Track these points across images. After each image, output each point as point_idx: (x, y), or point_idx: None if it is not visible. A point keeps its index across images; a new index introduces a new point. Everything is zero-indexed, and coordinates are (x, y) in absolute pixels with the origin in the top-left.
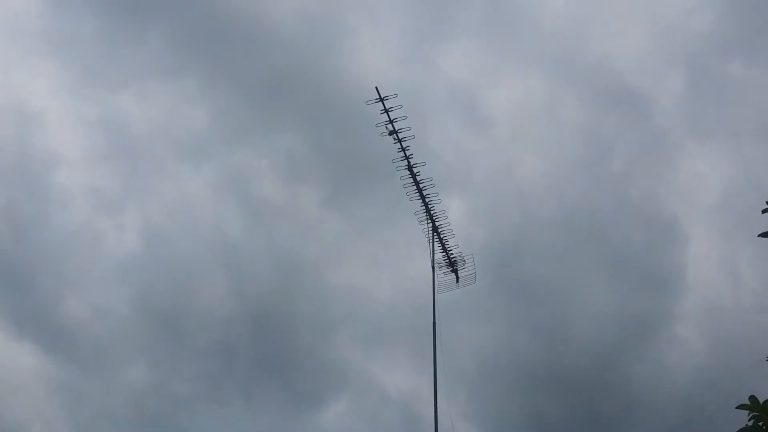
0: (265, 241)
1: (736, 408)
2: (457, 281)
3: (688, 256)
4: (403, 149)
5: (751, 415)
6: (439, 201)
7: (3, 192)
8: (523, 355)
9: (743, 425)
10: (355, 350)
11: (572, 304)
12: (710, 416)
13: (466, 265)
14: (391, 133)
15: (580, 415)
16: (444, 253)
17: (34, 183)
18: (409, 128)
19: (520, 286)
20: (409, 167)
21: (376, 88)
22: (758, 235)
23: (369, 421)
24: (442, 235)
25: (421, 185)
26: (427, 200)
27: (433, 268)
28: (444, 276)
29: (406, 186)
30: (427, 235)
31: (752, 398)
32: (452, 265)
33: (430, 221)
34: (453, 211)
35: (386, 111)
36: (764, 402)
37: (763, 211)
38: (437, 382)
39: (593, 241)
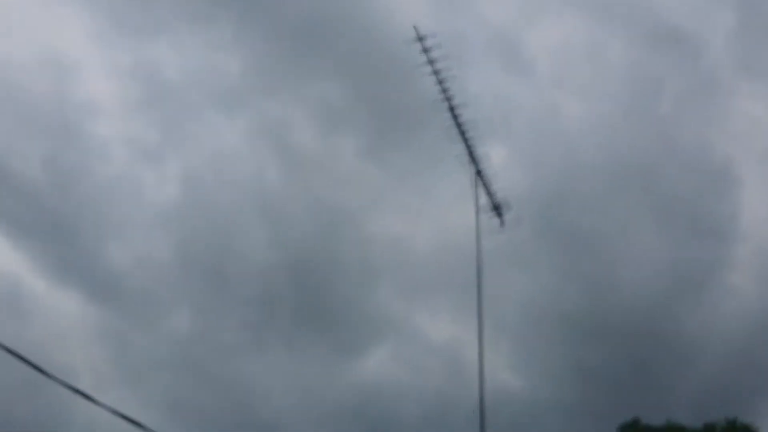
0: (304, 191)
1: None
2: (502, 225)
3: (741, 202)
4: (444, 90)
5: None
6: (482, 144)
7: (44, 143)
8: (568, 305)
9: None
10: (396, 299)
11: (619, 253)
12: (763, 364)
13: (511, 210)
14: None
15: (625, 366)
16: (488, 197)
17: (73, 133)
18: (450, 69)
19: (565, 235)
20: (451, 109)
21: (414, 26)
22: None
23: (411, 369)
24: (485, 179)
25: (462, 128)
26: (469, 144)
27: (477, 212)
28: (488, 221)
29: (447, 129)
30: (470, 180)
31: None
32: (497, 209)
33: (473, 164)
34: (494, 157)
35: (425, 51)
36: None
37: None
38: (482, 329)
39: (641, 188)
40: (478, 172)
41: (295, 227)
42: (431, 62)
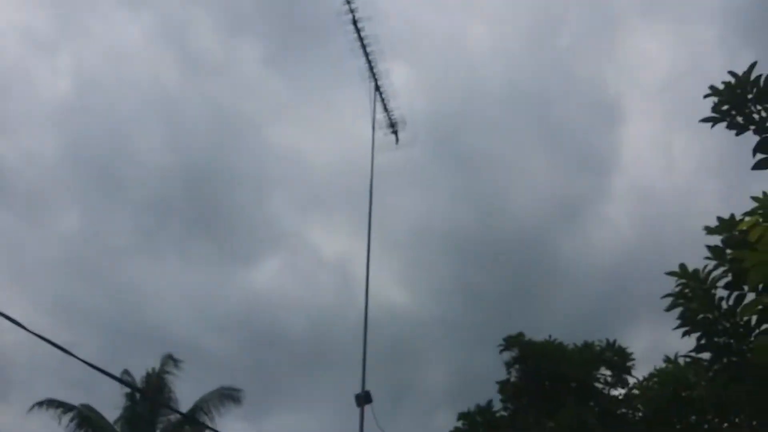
0: (203, 96)
1: (665, 273)
2: (397, 142)
3: (624, 137)
4: (348, 2)
5: (678, 282)
6: (383, 60)
7: None
8: (458, 225)
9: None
10: (290, 212)
11: (510, 179)
12: (632, 291)
13: (407, 128)
14: None
15: (508, 286)
16: (385, 114)
17: None
18: None
19: (460, 157)
20: (354, 22)
21: None
22: (699, 120)
23: (302, 281)
24: (384, 95)
25: (364, 41)
26: (370, 58)
27: (373, 126)
28: (384, 137)
29: (350, 42)
30: (368, 95)
31: (682, 266)
32: (393, 125)
33: (372, 79)
34: (397, 76)
35: None
36: (693, 270)
37: (705, 96)
38: (370, 245)
39: (536, 117)
40: (377, 88)
41: (193, 132)
42: None
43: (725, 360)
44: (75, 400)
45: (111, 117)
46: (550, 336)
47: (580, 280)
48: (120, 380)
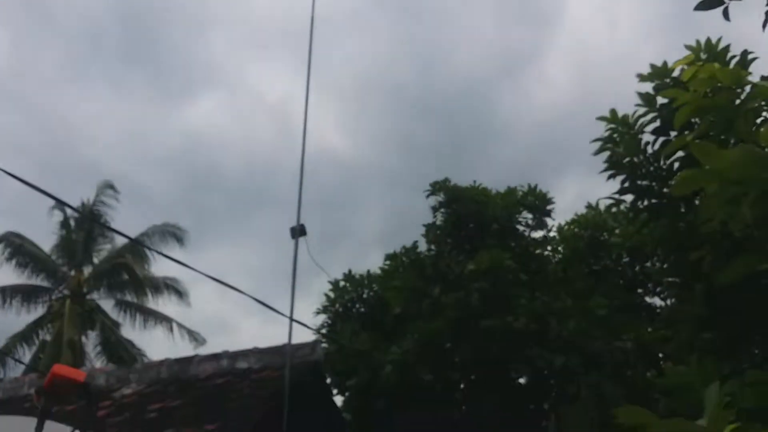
0: None
1: (596, 119)
2: None
3: None
4: None
5: (607, 127)
6: None
7: None
8: (400, 75)
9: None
10: (231, 50)
11: (453, 28)
12: (565, 147)
13: None
14: None
15: (446, 137)
16: None
17: None
18: None
19: (404, 7)
20: None
21: None
22: None
23: (241, 122)
24: None
25: None
26: None
27: None
28: None
29: None
30: None
31: (612, 111)
32: None
33: None
34: None
35: None
36: (623, 116)
37: None
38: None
39: None
40: None
41: None
42: None
43: (646, 202)
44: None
45: None
46: (474, 181)
47: (516, 134)
48: (57, 199)
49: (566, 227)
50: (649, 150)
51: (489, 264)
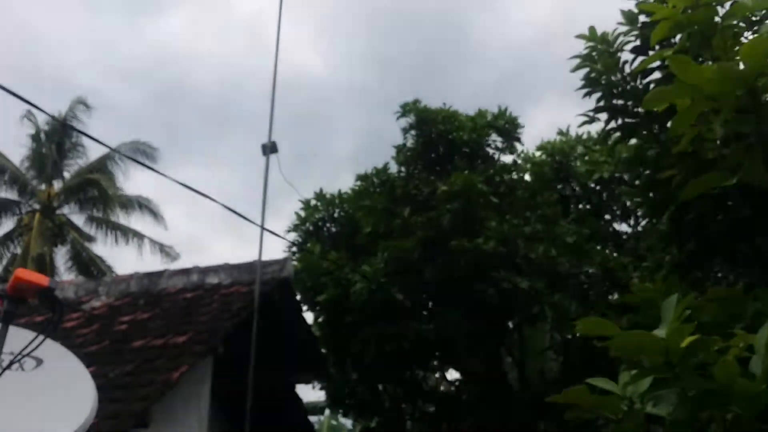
0: None
1: (575, 36)
2: None
3: None
4: None
5: (587, 45)
6: None
7: None
8: None
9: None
10: None
11: None
12: (540, 73)
13: None
14: None
15: (421, 58)
16: None
17: None
18: None
19: None
20: None
21: None
22: None
23: (213, 36)
24: None
25: None
26: None
27: None
28: None
29: None
30: None
31: (591, 28)
32: None
33: None
34: None
35: None
36: (602, 33)
37: None
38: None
39: None
40: None
41: None
42: None
43: (620, 121)
44: None
45: None
46: (444, 104)
47: (492, 55)
48: (32, 104)
49: (535, 154)
50: (627, 69)
51: (461, 186)
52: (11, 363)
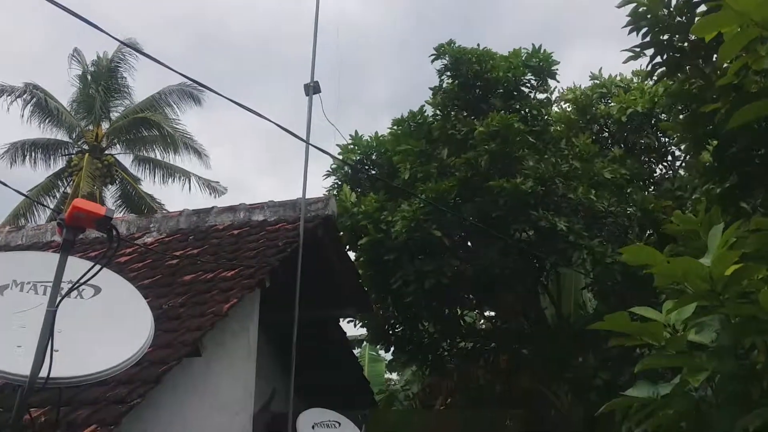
0: None
1: None
2: None
3: None
4: None
5: None
6: None
7: None
8: None
9: None
10: None
11: None
12: (576, 17)
13: None
14: None
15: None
16: None
17: None
18: None
19: None
20: None
21: None
22: None
23: None
24: None
25: None
26: None
27: None
28: None
29: None
30: None
31: None
32: None
33: None
34: None
35: None
36: None
37: None
38: None
39: None
40: None
41: None
42: None
43: (665, 56)
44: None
45: None
46: (478, 44)
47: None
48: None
49: (570, 93)
50: (674, 2)
51: (498, 126)
52: (70, 290)
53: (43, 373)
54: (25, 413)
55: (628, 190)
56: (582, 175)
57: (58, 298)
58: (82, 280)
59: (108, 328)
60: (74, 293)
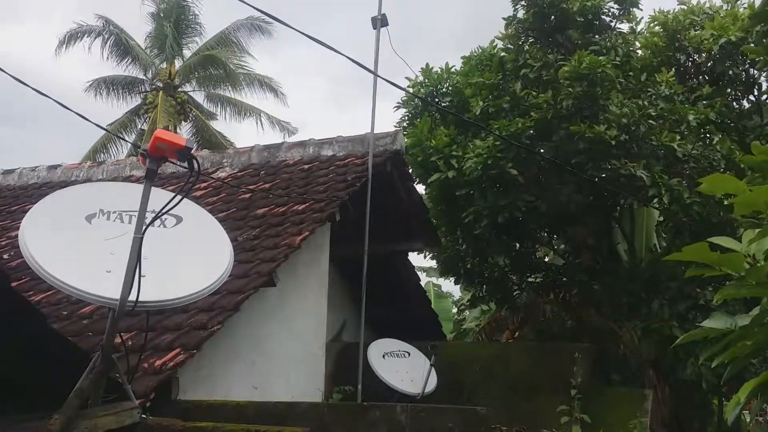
0: None
1: None
2: None
3: None
4: None
5: None
6: None
7: None
8: None
9: None
10: None
11: None
12: None
13: None
14: None
15: None
16: None
17: None
18: None
19: None
20: None
21: None
22: None
23: None
24: None
25: None
26: None
27: None
28: None
29: None
30: None
31: None
32: None
33: None
34: None
35: None
36: None
37: None
38: None
39: None
40: None
41: None
42: None
43: None
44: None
45: None
46: None
47: None
48: None
49: (660, 16)
50: None
51: (588, 68)
52: (155, 218)
53: (132, 297)
54: (116, 335)
55: (715, 140)
56: (666, 117)
57: (144, 226)
58: (165, 209)
59: (189, 256)
60: (157, 222)
